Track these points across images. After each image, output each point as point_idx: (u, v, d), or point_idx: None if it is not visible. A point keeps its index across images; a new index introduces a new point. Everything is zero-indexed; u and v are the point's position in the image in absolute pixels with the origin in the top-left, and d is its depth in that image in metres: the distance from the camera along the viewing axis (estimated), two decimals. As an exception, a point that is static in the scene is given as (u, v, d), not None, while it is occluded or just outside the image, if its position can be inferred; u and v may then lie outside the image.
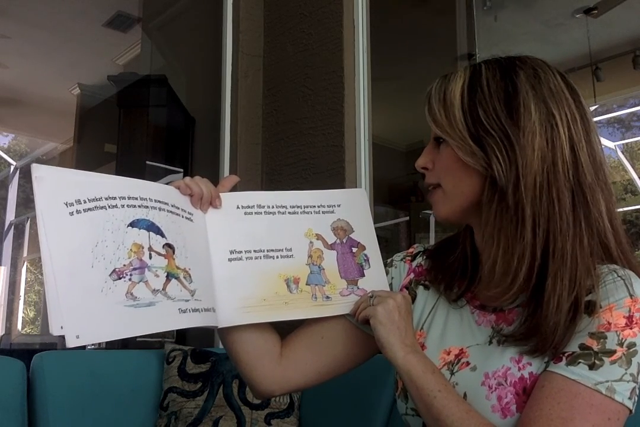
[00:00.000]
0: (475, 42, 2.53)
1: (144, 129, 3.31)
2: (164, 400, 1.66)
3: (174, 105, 3.01)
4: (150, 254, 0.76)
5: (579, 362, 0.71)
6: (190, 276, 0.80)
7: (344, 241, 0.92)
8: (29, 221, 7.82)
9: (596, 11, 3.84)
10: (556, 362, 0.73)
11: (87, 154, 5.31)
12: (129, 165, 3.78)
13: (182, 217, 0.83)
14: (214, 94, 2.47)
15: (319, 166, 2.10)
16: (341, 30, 2.09)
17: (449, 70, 0.87)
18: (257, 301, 0.85)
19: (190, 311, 0.77)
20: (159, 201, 0.80)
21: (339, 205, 0.94)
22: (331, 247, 0.91)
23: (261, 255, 0.87)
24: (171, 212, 0.81)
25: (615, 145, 7.76)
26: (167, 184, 0.86)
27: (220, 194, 0.89)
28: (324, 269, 0.90)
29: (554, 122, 0.76)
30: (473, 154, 0.77)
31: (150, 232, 0.77)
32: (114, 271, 0.72)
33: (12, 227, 7.73)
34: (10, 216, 7.75)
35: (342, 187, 2.00)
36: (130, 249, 0.74)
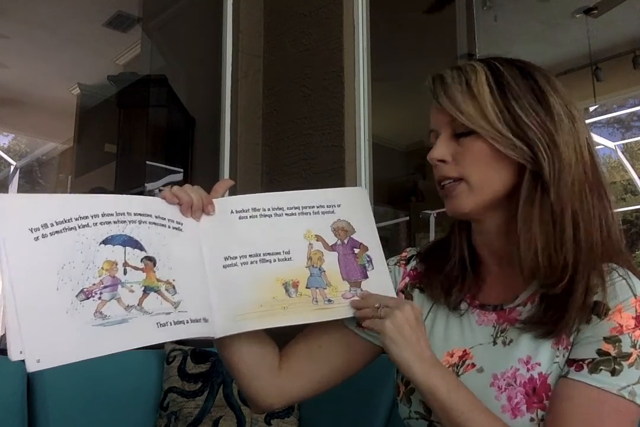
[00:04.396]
0: (475, 42, 2.53)
1: (144, 129, 3.31)
2: (164, 400, 1.66)
3: (174, 105, 3.01)
4: (125, 270, 0.75)
5: (601, 369, 0.72)
6: (174, 288, 0.78)
7: (345, 241, 0.88)
8: (29, 221, 7.80)
9: (596, 11, 3.84)
10: (578, 370, 0.73)
11: (87, 154, 5.30)
12: (129, 165, 3.78)
13: (169, 227, 0.81)
14: (214, 94, 2.47)
15: (319, 166, 2.10)
16: (341, 30, 2.09)
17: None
18: (253, 307, 0.81)
19: (171, 324, 0.75)
20: (140, 214, 0.79)
21: (339, 205, 0.90)
22: (332, 248, 0.87)
23: (257, 259, 0.84)
24: (154, 223, 0.80)
25: (615, 145, 7.76)
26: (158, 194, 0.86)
27: (213, 200, 0.86)
28: (324, 271, 0.86)
29: (575, 122, 0.80)
30: (514, 147, 0.78)
31: (127, 247, 0.76)
32: (81, 291, 0.71)
33: (12, 227, 7.71)
34: (10, 216, 7.73)
35: (342, 187, 2.00)
36: (102, 267, 0.74)
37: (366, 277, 0.87)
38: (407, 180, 4.81)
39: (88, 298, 0.71)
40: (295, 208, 0.88)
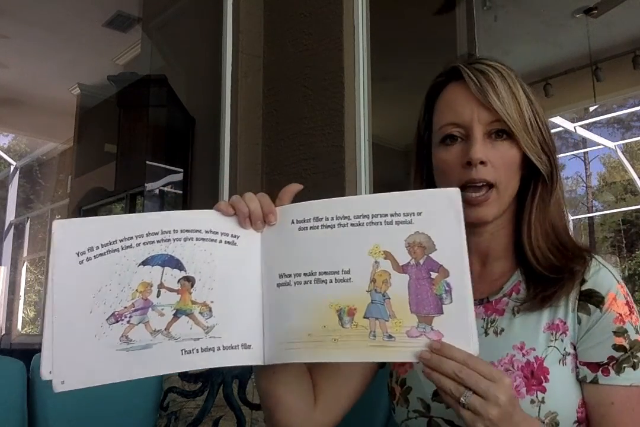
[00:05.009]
0: (475, 42, 2.53)
1: (144, 129, 3.31)
2: (164, 400, 1.66)
3: (174, 105, 3.02)
4: (159, 292, 0.73)
5: (624, 367, 0.76)
6: (210, 310, 0.73)
7: (421, 262, 0.70)
8: (29, 221, 7.83)
9: (596, 11, 3.85)
10: (606, 374, 0.77)
11: (87, 154, 5.31)
12: (128, 165, 3.79)
13: (221, 242, 0.76)
14: (214, 94, 2.48)
15: (319, 166, 2.10)
16: (341, 30, 2.09)
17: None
18: (300, 335, 0.72)
19: (197, 351, 0.71)
20: (187, 230, 0.75)
21: (419, 214, 0.71)
22: (403, 269, 0.70)
23: (312, 279, 0.73)
24: (203, 239, 0.75)
25: (615, 145, 7.77)
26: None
27: (277, 208, 0.76)
28: (389, 298, 0.70)
29: None
30: (540, 159, 0.82)
31: (166, 267, 0.74)
32: (112, 314, 0.71)
33: (12, 227, 7.74)
34: (10, 216, 7.76)
35: (342, 187, 2.00)
36: (136, 290, 0.72)
37: (441, 312, 0.68)
38: (407, 180, 4.81)
39: (117, 322, 0.71)
40: (364, 217, 0.73)
